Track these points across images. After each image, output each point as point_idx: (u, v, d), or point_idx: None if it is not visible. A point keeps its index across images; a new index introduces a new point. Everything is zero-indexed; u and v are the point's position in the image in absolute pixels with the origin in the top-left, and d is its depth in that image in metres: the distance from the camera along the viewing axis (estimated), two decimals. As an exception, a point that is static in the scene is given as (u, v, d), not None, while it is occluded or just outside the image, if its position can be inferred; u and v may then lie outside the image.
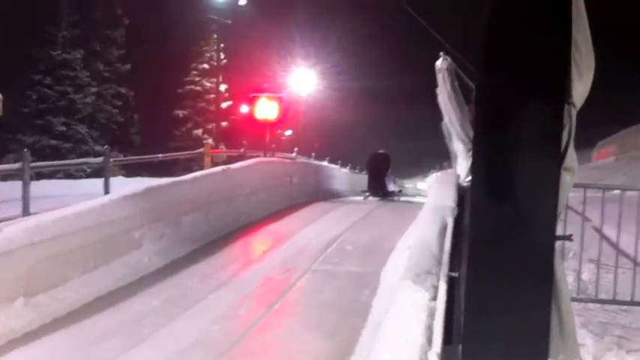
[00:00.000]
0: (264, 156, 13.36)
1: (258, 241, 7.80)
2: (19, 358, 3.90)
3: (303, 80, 34.43)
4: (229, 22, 30.38)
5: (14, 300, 4.36)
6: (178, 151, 21.50)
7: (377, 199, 14.37)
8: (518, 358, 2.60)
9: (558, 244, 2.85)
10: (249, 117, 14.95)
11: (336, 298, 5.15)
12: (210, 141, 25.51)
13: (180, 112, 33.20)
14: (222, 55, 32.14)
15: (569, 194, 3.18)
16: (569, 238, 3.22)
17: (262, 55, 32.30)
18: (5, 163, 15.54)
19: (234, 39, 31.85)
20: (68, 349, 4.08)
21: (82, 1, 26.35)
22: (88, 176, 20.03)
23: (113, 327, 4.44)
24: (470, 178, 5.07)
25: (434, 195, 5.15)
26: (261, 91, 17.23)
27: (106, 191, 8.69)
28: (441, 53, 6.33)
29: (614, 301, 5.47)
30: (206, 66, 33.63)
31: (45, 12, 24.88)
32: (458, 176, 5.87)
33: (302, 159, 16.00)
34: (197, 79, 33.67)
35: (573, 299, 4.44)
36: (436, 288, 3.02)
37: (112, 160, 10.36)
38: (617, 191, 6.19)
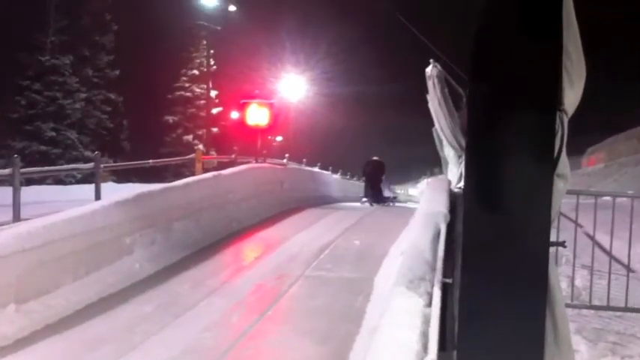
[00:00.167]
0: (256, 162, 13.33)
1: (250, 248, 7.78)
2: (10, 365, 3.87)
3: (293, 87, 34.52)
4: (219, 28, 30.43)
5: (5, 306, 4.34)
6: (169, 156, 21.48)
7: (371, 205, 14.50)
8: (512, 364, 2.60)
9: (552, 250, 2.86)
10: (240, 123, 14.91)
11: (329, 304, 5.14)
12: (200, 147, 25.43)
13: (170, 118, 33.14)
14: (212, 62, 32.11)
15: (562, 201, 3.20)
16: (562, 244, 3.24)
17: (252, 61, 32.45)
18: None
19: (224, 45, 31.83)
20: (59, 356, 4.06)
21: (71, 7, 26.21)
22: (78, 182, 19.92)
23: (104, 334, 4.42)
24: (461, 184, 5.10)
25: (426, 201, 5.15)
26: (252, 97, 17.24)
27: (97, 197, 8.65)
28: (431, 60, 6.35)
29: (608, 308, 5.49)
30: (196, 72, 33.59)
31: (33, 18, 24.73)
32: (449, 182, 5.89)
33: (293, 165, 15.97)
34: (187, 85, 33.59)
35: (567, 305, 4.45)
36: (430, 294, 3.02)
37: (102, 165, 10.32)
38: (608, 198, 6.23)
